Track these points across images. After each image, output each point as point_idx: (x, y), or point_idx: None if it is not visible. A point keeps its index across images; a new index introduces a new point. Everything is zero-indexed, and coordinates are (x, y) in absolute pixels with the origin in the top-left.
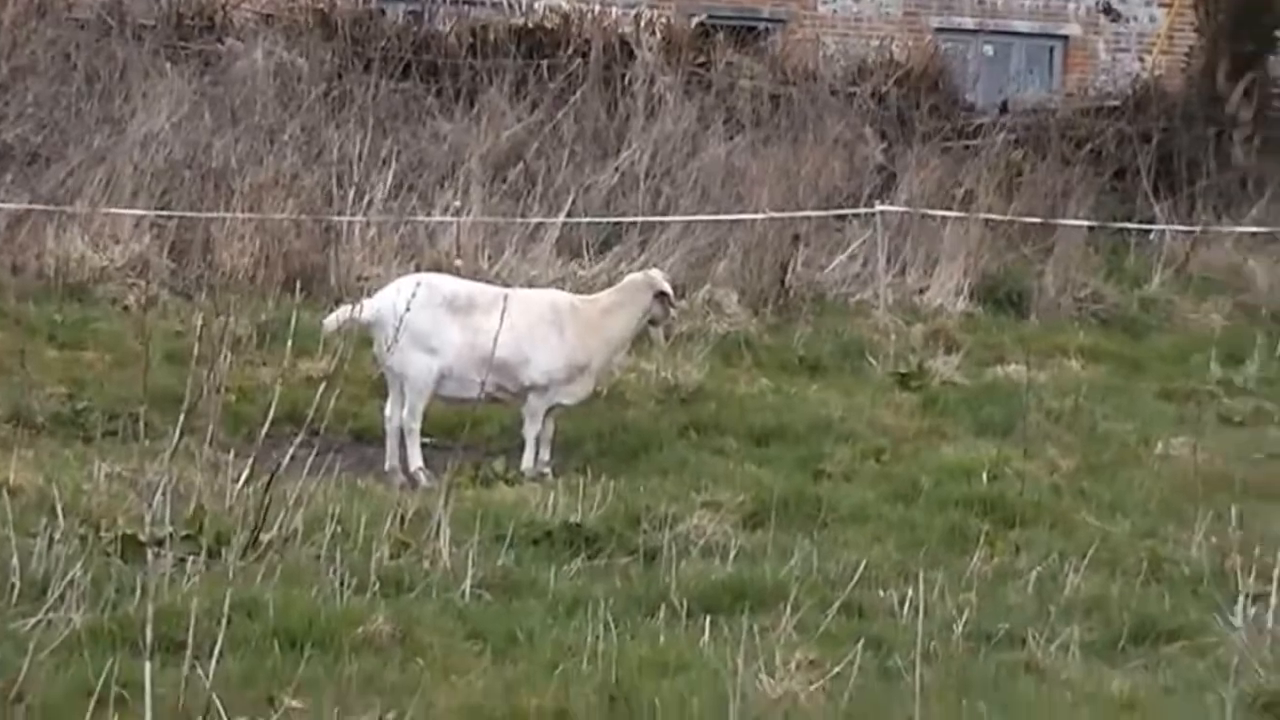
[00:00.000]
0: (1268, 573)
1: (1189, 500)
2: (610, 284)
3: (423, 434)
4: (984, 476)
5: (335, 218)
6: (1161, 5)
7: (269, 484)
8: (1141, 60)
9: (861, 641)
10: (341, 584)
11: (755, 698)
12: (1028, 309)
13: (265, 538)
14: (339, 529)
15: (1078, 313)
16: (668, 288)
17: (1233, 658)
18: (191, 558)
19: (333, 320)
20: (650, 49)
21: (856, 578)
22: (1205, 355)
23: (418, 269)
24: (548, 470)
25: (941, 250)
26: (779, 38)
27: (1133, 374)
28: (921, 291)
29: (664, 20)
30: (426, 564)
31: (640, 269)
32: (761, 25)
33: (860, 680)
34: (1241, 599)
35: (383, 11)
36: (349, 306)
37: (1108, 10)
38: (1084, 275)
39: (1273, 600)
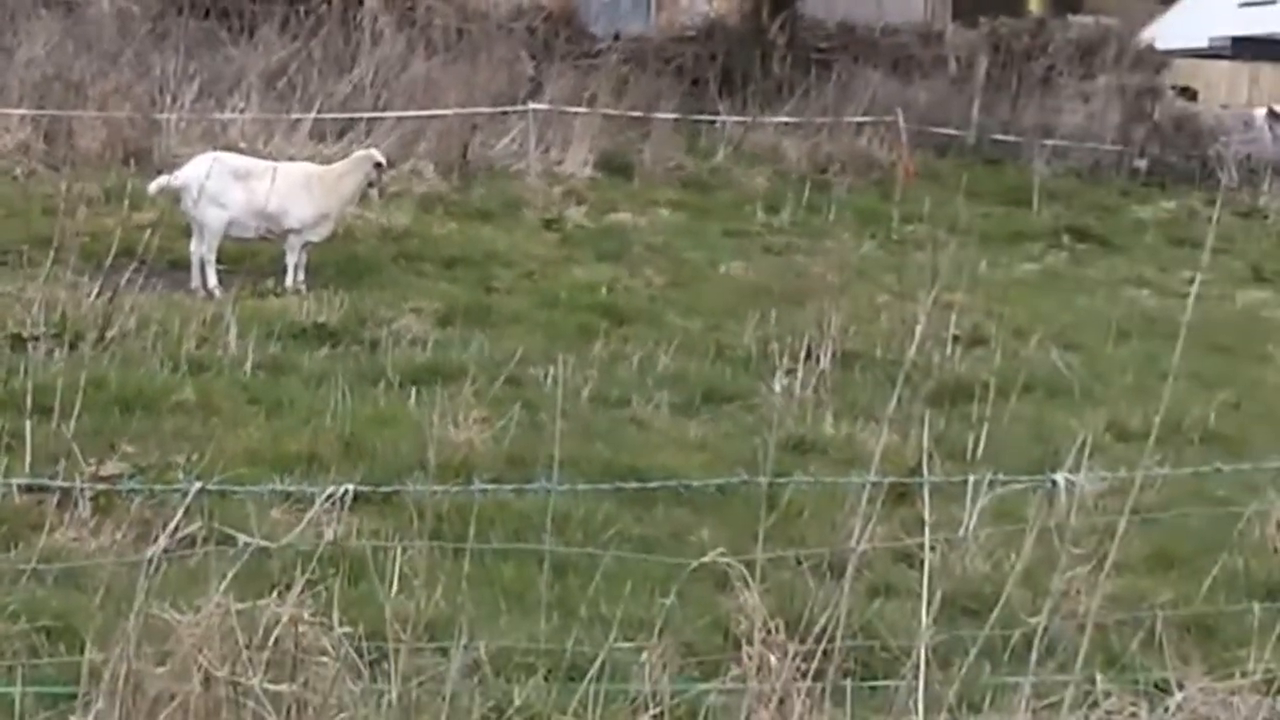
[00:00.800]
0: (795, 355)
1: (742, 305)
2: (345, 158)
3: (217, 262)
4: (603, 290)
5: (158, 115)
6: None
7: (112, 298)
8: (710, 3)
9: (519, 404)
10: (161, 365)
11: (446, 442)
12: (633, 174)
13: (109, 334)
14: (159, 328)
15: (666, 177)
16: (383, 160)
17: (772, 414)
18: (58, 348)
19: (155, 185)
20: None
21: (515, 360)
22: (753, 206)
23: (214, 150)
24: (302, 287)
25: (574, 134)
26: None
27: (704, 219)
28: (560, 163)
29: None
30: (220, 352)
31: (365, 149)
32: None
33: (517, 430)
34: (779, 373)
35: None
36: (166, 176)
37: None
38: (671, 151)
39: (799, 374)
